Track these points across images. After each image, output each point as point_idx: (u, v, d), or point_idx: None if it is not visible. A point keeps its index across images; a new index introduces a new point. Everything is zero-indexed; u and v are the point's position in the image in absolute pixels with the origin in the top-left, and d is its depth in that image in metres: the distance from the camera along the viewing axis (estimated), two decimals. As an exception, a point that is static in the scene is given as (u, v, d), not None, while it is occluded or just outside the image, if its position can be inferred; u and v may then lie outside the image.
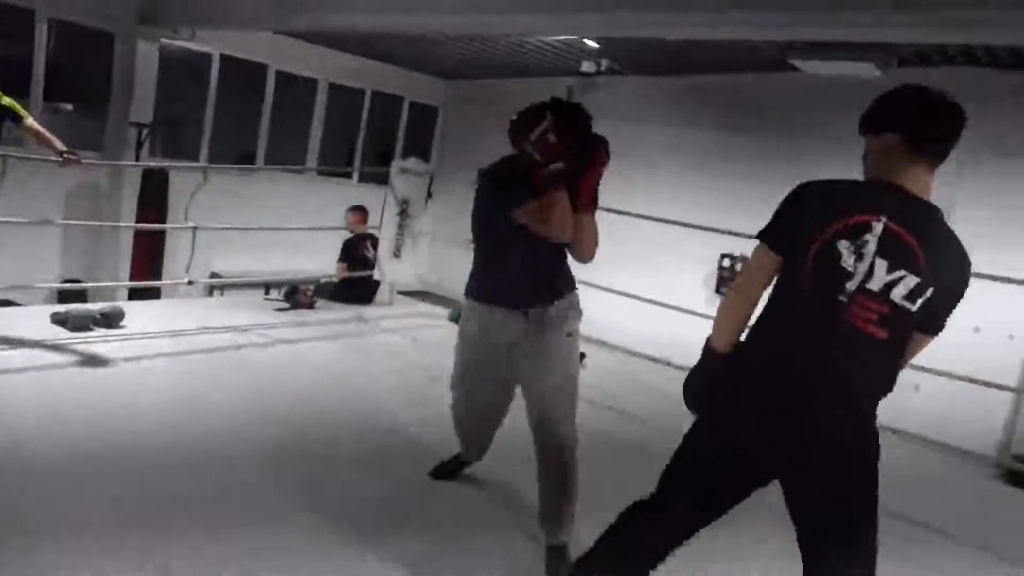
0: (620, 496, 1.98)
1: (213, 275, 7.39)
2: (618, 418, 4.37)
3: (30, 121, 4.15)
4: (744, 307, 1.83)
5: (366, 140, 9.68)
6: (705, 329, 1.88)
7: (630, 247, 7.75)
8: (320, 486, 2.92)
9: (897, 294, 1.63)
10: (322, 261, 6.72)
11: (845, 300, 1.65)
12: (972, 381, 4.24)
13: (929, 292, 1.63)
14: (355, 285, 6.23)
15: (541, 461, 2.54)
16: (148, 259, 7.46)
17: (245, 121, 8.57)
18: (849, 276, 1.64)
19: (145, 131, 7.44)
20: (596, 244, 2.42)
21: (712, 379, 1.85)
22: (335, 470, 3.10)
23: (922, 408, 5.09)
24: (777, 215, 1.79)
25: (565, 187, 2.24)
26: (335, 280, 6.31)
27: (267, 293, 6.38)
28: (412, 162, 6.14)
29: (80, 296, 6.21)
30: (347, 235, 6.46)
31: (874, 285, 1.64)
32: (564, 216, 2.26)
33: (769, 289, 1.81)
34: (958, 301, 1.72)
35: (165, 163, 7.48)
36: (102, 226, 7.08)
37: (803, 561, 1.73)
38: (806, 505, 1.74)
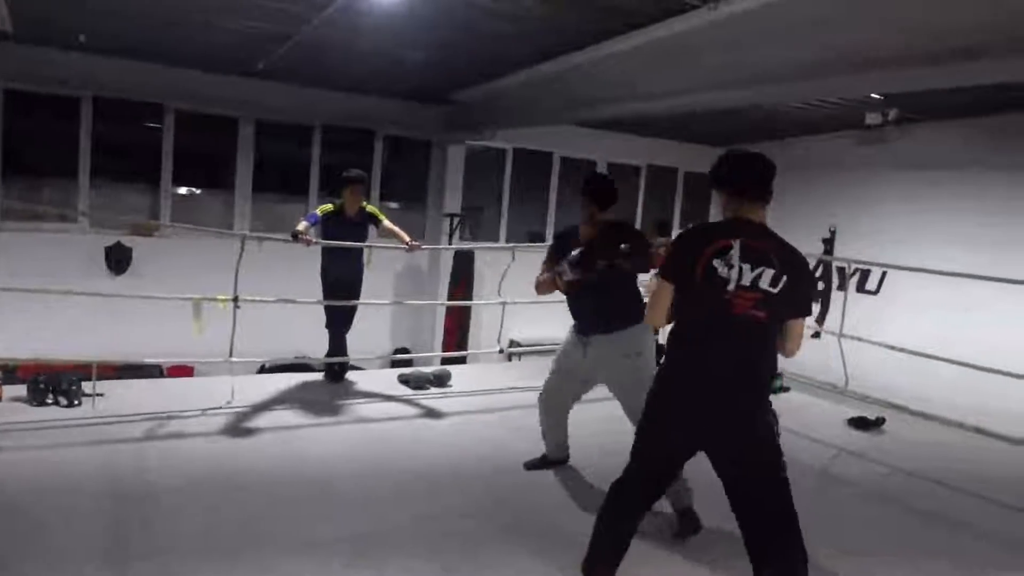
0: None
1: (511, 343, 8.19)
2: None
3: (387, 223, 5.23)
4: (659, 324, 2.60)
5: (644, 211, 10.15)
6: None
7: (945, 307, 7.01)
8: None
9: (763, 283, 2.30)
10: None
11: (728, 297, 2.30)
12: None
13: (784, 279, 2.30)
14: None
15: None
16: (456, 328, 8.55)
17: (534, 203, 9.56)
18: (727, 281, 2.30)
19: (456, 220, 8.65)
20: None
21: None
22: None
23: None
24: (668, 256, 2.50)
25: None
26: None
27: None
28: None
29: (407, 361, 7.30)
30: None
31: (746, 281, 2.30)
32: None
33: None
34: (811, 282, 2.51)
35: (492, 245, 8.56)
36: (424, 304, 8.31)
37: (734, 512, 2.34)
38: (731, 468, 2.36)
